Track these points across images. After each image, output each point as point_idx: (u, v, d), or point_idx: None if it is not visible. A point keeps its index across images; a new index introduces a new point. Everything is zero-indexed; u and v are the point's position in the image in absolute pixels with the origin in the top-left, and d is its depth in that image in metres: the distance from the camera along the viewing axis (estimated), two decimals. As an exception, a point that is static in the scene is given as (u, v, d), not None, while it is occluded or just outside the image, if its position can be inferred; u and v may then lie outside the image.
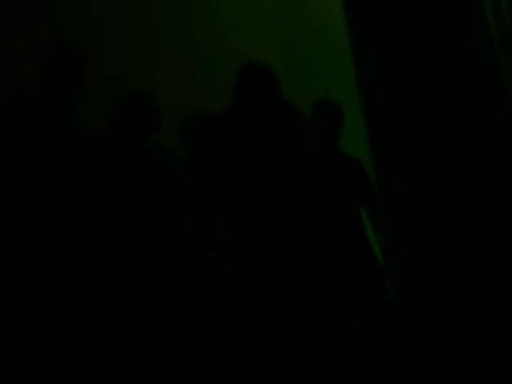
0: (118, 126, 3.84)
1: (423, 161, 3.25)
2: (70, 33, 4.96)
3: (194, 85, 5.39)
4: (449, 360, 3.12)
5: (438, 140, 3.24)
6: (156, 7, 5.56)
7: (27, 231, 3.38)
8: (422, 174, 3.25)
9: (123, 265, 3.63)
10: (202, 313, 3.79)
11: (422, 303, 3.22)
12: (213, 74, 5.46)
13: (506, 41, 3.43)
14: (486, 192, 3.19)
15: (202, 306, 3.81)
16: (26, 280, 3.33)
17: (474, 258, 3.15)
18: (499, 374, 3.02)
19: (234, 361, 3.63)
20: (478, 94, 3.28)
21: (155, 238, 3.74)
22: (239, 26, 5.75)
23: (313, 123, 4.22)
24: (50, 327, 3.33)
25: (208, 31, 5.67)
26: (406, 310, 3.29)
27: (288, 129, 3.70)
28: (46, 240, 3.40)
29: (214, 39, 5.60)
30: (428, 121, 3.26)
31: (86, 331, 3.42)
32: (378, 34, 3.36)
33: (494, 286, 3.12)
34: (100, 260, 3.55)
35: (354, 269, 4.11)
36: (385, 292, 4.17)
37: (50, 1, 5.20)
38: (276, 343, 3.47)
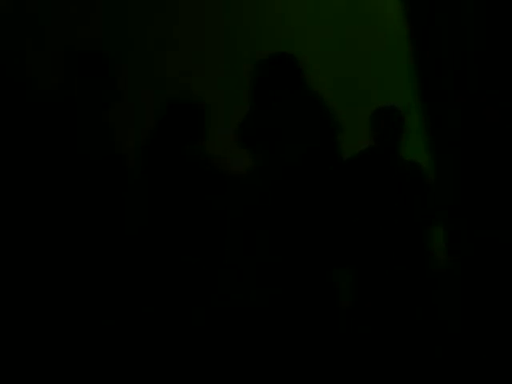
0: (162, 131, 3.86)
1: (482, 165, 3.20)
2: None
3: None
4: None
5: (496, 142, 3.18)
6: (212, 10, 5.56)
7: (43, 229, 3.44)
8: (480, 178, 3.20)
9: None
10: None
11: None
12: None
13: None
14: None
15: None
16: (27, 279, 3.37)
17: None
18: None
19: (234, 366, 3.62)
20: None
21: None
22: (300, 31, 5.71)
23: (373, 130, 4.20)
24: (51, 327, 3.36)
25: (265, 34, 5.65)
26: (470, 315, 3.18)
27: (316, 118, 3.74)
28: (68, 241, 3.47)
29: (271, 42, 5.56)
30: (488, 126, 3.20)
31: (87, 332, 3.43)
32: (439, 39, 3.31)
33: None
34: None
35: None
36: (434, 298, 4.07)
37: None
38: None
